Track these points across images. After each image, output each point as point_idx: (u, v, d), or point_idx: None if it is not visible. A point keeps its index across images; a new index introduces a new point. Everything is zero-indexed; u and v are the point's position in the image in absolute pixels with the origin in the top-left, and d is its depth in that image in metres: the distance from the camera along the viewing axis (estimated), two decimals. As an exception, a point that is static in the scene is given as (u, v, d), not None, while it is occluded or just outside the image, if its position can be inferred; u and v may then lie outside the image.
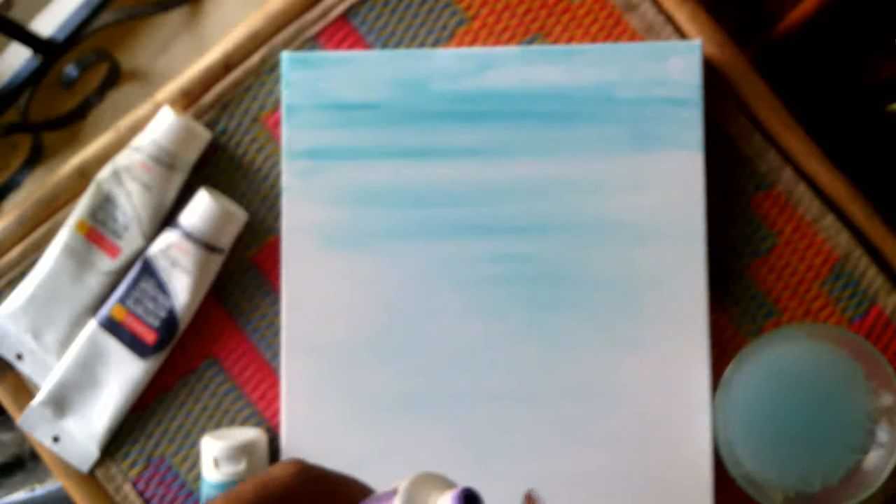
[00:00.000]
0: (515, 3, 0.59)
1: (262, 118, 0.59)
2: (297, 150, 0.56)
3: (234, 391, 0.58)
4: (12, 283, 0.59)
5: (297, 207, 0.56)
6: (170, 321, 0.56)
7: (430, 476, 0.34)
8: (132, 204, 0.57)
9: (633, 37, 0.58)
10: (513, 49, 0.56)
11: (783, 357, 0.53)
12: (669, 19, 0.58)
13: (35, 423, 0.58)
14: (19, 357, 0.58)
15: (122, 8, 1.25)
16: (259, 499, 0.34)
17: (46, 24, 1.26)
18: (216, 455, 0.54)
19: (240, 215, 0.57)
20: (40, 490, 0.96)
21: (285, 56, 0.56)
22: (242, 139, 0.59)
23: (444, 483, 0.34)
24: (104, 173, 0.57)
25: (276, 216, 0.58)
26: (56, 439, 0.58)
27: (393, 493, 0.33)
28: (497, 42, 0.59)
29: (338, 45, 0.59)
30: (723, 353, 0.56)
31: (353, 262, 0.55)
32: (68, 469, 0.59)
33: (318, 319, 0.55)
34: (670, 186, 0.55)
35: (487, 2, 0.59)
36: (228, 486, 0.54)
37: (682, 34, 0.58)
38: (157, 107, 0.59)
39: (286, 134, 0.56)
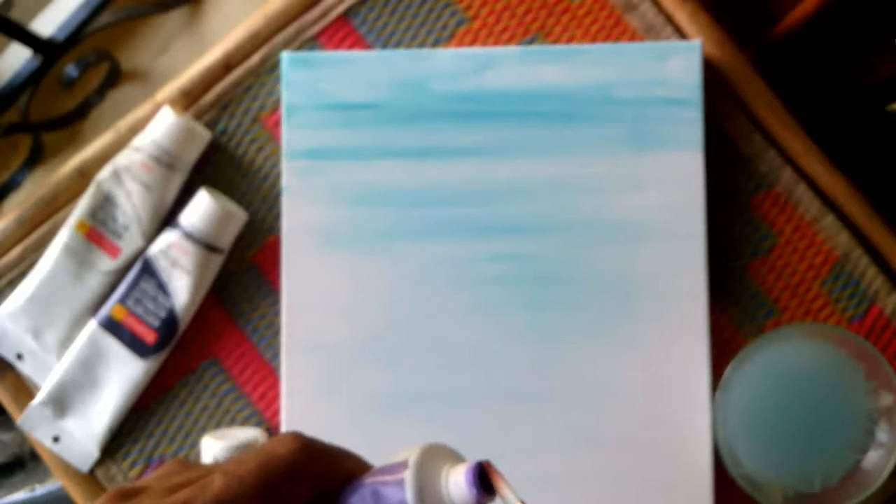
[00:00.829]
0: (515, 3, 0.59)
1: (262, 118, 0.59)
2: (297, 150, 0.56)
3: (234, 391, 0.58)
4: (12, 283, 0.59)
5: (297, 207, 0.56)
6: (170, 321, 0.56)
7: (439, 447, 0.34)
8: (132, 204, 0.57)
9: (633, 37, 0.58)
10: (513, 49, 0.56)
11: (783, 357, 0.53)
12: (669, 19, 0.58)
13: (35, 423, 0.58)
14: (19, 357, 0.58)
15: (122, 8, 1.25)
16: (262, 478, 0.32)
17: (46, 24, 1.26)
18: (216, 455, 0.54)
19: (240, 215, 0.57)
20: (40, 490, 0.96)
21: (285, 56, 0.56)
22: (242, 139, 0.59)
23: (454, 455, 0.34)
24: (104, 173, 0.57)
25: (276, 216, 0.58)
26: (56, 439, 0.58)
27: (402, 464, 0.33)
28: (497, 42, 0.59)
29: (338, 45, 0.59)
30: (723, 353, 0.56)
31: (353, 262, 0.55)
32: (68, 469, 0.59)
33: (318, 319, 0.55)
34: (670, 186, 0.55)
35: (487, 2, 0.59)
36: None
37: (682, 34, 0.58)
38: (157, 107, 0.59)
39: (286, 134, 0.56)
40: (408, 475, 0.32)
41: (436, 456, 0.33)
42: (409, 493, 0.32)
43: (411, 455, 0.33)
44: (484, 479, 0.32)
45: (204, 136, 0.58)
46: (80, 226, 0.57)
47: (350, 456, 0.36)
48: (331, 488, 0.34)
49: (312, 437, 0.35)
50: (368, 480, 0.34)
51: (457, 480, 0.32)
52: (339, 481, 0.35)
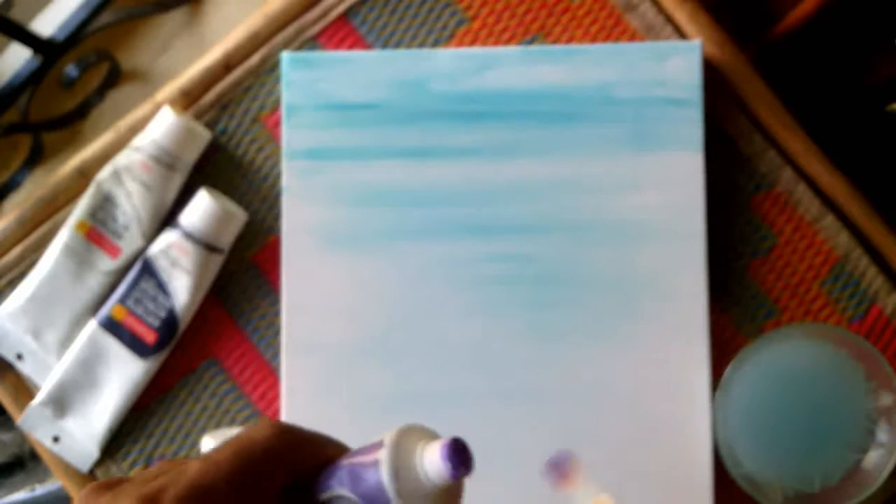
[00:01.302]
0: (515, 3, 0.59)
1: (262, 118, 0.59)
2: (297, 150, 0.56)
3: (234, 391, 0.58)
4: (12, 283, 0.59)
5: (297, 207, 0.56)
6: (170, 321, 0.56)
7: (416, 427, 0.34)
8: (132, 204, 0.57)
9: (633, 37, 0.58)
10: (513, 49, 0.56)
11: (783, 357, 0.53)
12: (669, 19, 0.58)
13: (35, 423, 0.58)
14: (19, 357, 0.58)
15: (122, 8, 1.25)
16: (238, 464, 0.32)
17: (46, 24, 1.26)
18: (216, 455, 0.54)
19: (240, 215, 0.57)
20: (40, 490, 0.96)
21: (285, 56, 0.56)
22: (242, 139, 0.59)
23: (430, 434, 0.34)
24: (104, 173, 0.57)
25: (276, 216, 0.58)
26: (56, 439, 0.58)
27: (379, 444, 0.33)
28: (497, 42, 0.59)
29: (338, 45, 0.59)
30: (723, 353, 0.56)
31: (353, 262, 0.55)
32: (68, 469, 0.59)
33: (318, 319, 0.55)
34: (670, 186, 0.55)
35: (487, 2, 0.59)
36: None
37: (682, 34, 0.58)
38: (157, 107, 0.59)
39: (286, 134, 0.56)
40: (383, 455, 0.32)
41: (411, 435, 0.33)
42: (384, 473, 0.32)
43: (387, 435, 0.33)
44: (459, 454, 0.32)
45: (204, 136, 0.58)
46: (80, 226, 0.57)
47: (333, 443, 0.36)
48: (310, 473, 0.34)
49: (292, 425, 0.35)
50: (345, 462, 0.34)
51: (431, 457, 0.32)
52: (319, 467, 0.35)
